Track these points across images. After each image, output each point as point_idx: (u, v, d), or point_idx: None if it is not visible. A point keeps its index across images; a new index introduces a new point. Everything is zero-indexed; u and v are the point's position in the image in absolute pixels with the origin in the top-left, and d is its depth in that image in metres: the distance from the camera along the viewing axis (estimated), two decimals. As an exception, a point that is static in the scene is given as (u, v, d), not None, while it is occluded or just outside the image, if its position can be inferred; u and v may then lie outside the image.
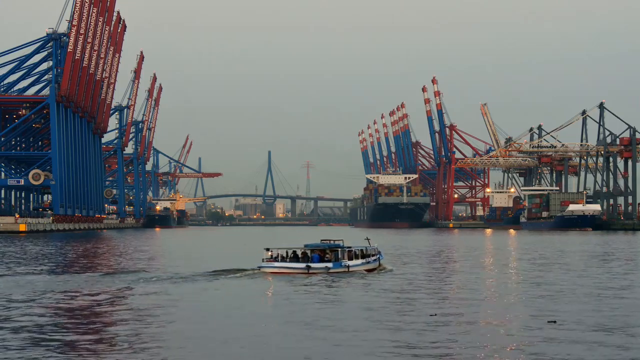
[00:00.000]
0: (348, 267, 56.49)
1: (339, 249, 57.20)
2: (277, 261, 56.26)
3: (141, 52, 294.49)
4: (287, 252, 57.56)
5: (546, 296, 43.78)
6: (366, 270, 57.66)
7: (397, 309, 37.88)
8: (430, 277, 57.34)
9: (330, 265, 55.83)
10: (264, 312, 38.08)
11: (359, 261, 57.96)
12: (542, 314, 36.09)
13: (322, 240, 61.16)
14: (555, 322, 33.18)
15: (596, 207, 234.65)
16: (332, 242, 59.26)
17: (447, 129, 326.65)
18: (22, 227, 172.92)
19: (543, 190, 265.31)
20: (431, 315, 35.13)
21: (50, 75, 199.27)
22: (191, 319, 34.56)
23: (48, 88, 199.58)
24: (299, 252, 57.56)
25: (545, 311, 37.03)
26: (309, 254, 56.82)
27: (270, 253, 56.80)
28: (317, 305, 39.44)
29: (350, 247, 58.15)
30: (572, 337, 29.97)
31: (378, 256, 60.72)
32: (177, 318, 34.85)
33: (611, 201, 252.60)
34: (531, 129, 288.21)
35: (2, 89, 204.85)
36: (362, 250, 59.30)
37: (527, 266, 68.79)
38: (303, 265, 55.48)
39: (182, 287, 48.28)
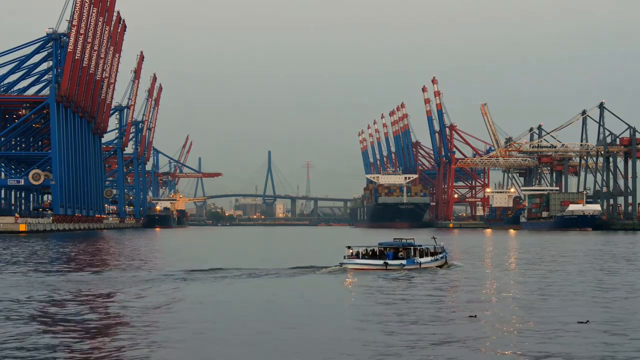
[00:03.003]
0: (420, 264, 60.81)
1: (411, 247, 61.73)
2: (358, 258, 60.44)
3: (141, 52, 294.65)
4: (366, 250, 61.71)
5: (574, 297, 44.19)
6: (437, 267, 62.31)
7: (438, 309, 38.73)
8: (480, 275, 59.53)
9: (404, 262, 60.11)
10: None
11: (429, 258, 62.56)
12: (573, 314, 36.44)
13: (394, 239, 65.98)
14: (587, 322, 33.37)
15: (596, 207, 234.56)
16: (404, 240, 63.63)
17: (447, 129, 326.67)
18: (22, 227, 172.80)
19: (543, 190, 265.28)
20: (471, 317, 35.51)
21: (50, 75, 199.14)
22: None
23: (48, 88, 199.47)
24: (376, 250, 61.82)
25: (576, 311, 37.43)
26: (385, 252, 61.16)
27: (351, 251, 61.04)
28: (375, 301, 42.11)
29: (420, 245, 62.89)
30: (602, 337, 30.28)
31: (444, 254, 65.53)
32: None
33: (611, 201, 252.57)
34: (531, 129, 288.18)
35: (2, 89, 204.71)
36: (428, 248, 63.84)
37: (555, 267, 69.12)
38: (381, 262, 59.68)
39: (288, 281, 52.99)
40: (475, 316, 35.59)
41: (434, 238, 68.64)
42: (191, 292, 46.59)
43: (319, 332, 32.12)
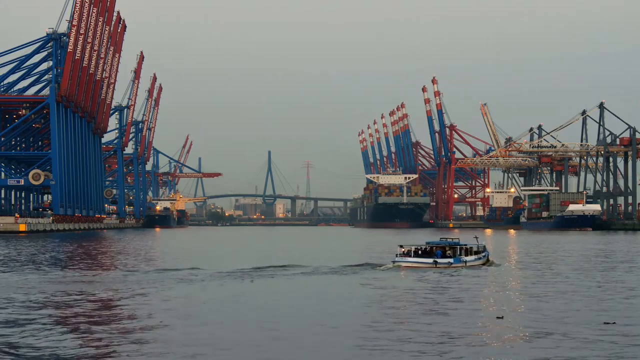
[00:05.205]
0: (465, 262, 63.90)
1: (458, 247, 65.06)
2: (410, 256, 63.65)
3: (141, 52, 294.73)
4: (416, 248, 64.88)
5: (603, 297, 44.36)
6: (481, 264, 65.54)
7: (466, 309, 39.14)
8: (510, 275, 60.48)
9: (451, 260, 63.18)
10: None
11: (473, 257, 65.90)
12: (599, 314, 36.52)
13: (441, 238, 70.34)
14: (614, 323, 33.39)
15: (596, 207, 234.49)
16: (450, 240, 67.34)
17: (447, 129, 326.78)
18: (22, 227, 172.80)
19: (543, 190, 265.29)
20: (498, 318, 35.59)
21: (50, 75, 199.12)
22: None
23: (48, 88, 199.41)
24: (425, 248, 64.97)
25: (602, 312, 37.55)
26: (433, 250, 64.40)
27: (403, 249, 64.39)
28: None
29: (465, 245, 66.24)
30: (630, 338, 30.31)
31: (486, 252, 68.56)
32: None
33: (611, 201, 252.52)
34: (531, 129, 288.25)
35: (2, 89, 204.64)
36: (472, 247, 67.01)
37: (583, 267, 69.47)
38: (431, 260, 62.79)
39: (354, 277, 56.16)
40: (502, 317, 35.62)
41: (476, 237, 71.90)
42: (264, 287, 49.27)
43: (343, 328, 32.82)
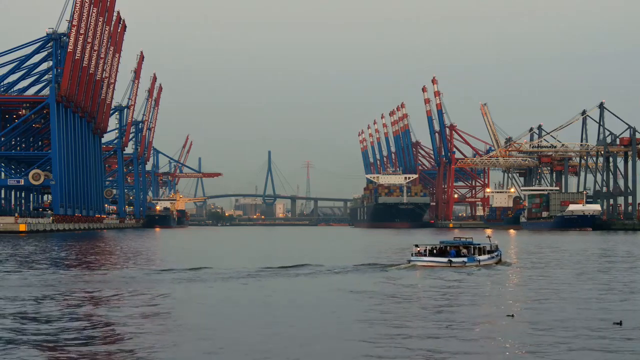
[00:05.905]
0: (479, 261, 64.85)
1: (471, 246, 65.92)
2: (425, 256, 64.77)
3: (141, 52, 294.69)
4: (431, 248, 66.11)
5: (612, 297, 44.36)
6: (495, 263, 66.55)
7: (478, 306, 39.38)
8: (523, 274, 60.71)
9: (465, 259, 64.12)
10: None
11: (486, 256, 66.85)
12: (608, 315, 36.46)
13: (454, 237, 71.12)
14: (620, 323, 33.38)
15: (596, 207, 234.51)
16: (464, 239, 68.06)
17: (447, 129, 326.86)
18: (22, 227, 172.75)
19: (543, 190, 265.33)
20: (508, 316, 35.73)
21: (50, 75, 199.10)
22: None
23: (48, 88, 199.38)
24: (440, 247, 66.11)
25: (612, 312, 37.51)
26: (448, 250, 65.42)
27: (418, 249, 65.67)
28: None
29: (479, 244, 66.86)
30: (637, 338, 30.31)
31: (498, 251, 69.55)
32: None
33: (611, 201, 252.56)
34: (531, 129, 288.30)
35: (2, 89, 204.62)
36: (485, 246, 67.78)
37: (591, 267, 69.63)
38: (446, 259, 63.75)
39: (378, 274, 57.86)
40: (513, 316, 35.82)
41: (489, 237, 72.75)
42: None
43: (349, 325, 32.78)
